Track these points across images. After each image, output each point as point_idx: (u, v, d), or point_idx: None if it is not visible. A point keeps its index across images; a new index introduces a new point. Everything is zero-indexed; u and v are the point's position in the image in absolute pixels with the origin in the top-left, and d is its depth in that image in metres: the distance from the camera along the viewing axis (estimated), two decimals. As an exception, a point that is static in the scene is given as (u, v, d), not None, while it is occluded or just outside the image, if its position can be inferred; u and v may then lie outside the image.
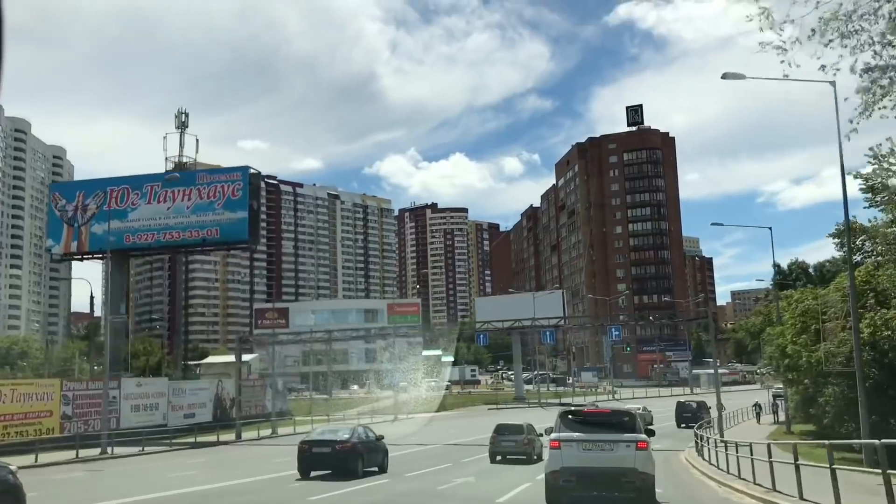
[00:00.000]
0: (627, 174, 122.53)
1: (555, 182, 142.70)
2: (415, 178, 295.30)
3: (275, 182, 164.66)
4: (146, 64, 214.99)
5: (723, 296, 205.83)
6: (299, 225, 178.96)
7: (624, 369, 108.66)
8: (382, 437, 21.56)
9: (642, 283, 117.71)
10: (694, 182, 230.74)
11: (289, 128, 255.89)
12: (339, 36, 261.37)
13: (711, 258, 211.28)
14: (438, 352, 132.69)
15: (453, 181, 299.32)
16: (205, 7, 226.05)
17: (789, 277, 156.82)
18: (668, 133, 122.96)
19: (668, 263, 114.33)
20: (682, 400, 45.98)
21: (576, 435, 12.89)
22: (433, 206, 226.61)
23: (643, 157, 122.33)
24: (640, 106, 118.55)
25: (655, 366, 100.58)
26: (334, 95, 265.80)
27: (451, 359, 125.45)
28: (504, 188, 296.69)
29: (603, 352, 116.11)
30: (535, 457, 22.84)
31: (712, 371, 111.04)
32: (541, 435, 21.78)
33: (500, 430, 23.84)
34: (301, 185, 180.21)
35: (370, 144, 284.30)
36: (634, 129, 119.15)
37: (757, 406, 43.55)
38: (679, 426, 39.06)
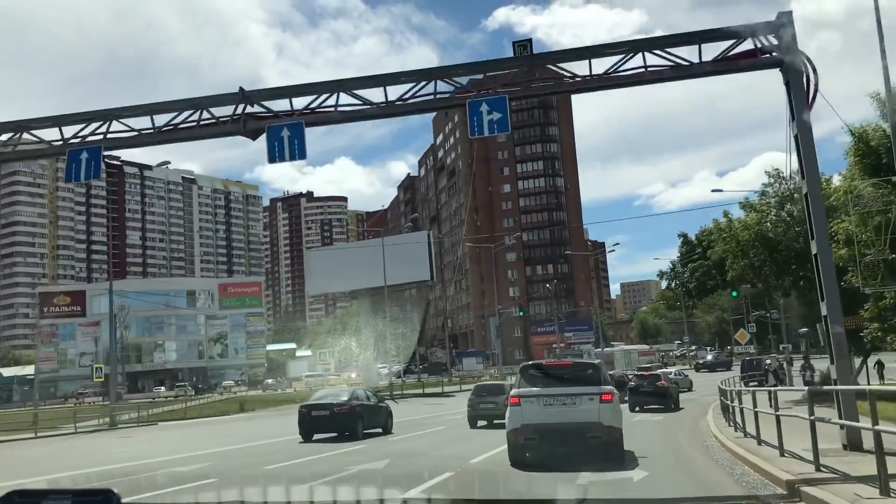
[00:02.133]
0: (516, 121, 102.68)
1: (433, 142, 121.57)
2: (299, 184, 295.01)
3: (117, 163, 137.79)
4: (14, 65, 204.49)
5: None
6: (147, 212, 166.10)
7: (516, 355, 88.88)
8: (384, 400, 24.71)
9: (535, 252, 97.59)
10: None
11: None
12: (222, 38, 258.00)
13: (604, 243, 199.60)
14: (290, 345, 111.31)
15: (340, 186, 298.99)
16: (76, 5, 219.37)
17: (699, 247, 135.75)
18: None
19: (565, 226, 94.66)
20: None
21: (536, 389, 12.42)
22: (309, 195, 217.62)
23: (533, 101, 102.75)
24: (529, 41, 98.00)
25: (555, 347, 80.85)
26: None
27: (308, 352, 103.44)
28: (392, 193, 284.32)
29: (489, 335, 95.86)
30: None
31: (628, 347, 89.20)
32: None
33: (479, 391, 23.23)
34: (150, 168, 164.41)
35: (254, 150, 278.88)
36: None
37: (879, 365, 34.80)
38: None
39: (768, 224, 27.88)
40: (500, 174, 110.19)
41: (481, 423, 22.04)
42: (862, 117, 19.48)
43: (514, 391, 12.78)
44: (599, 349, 76.42)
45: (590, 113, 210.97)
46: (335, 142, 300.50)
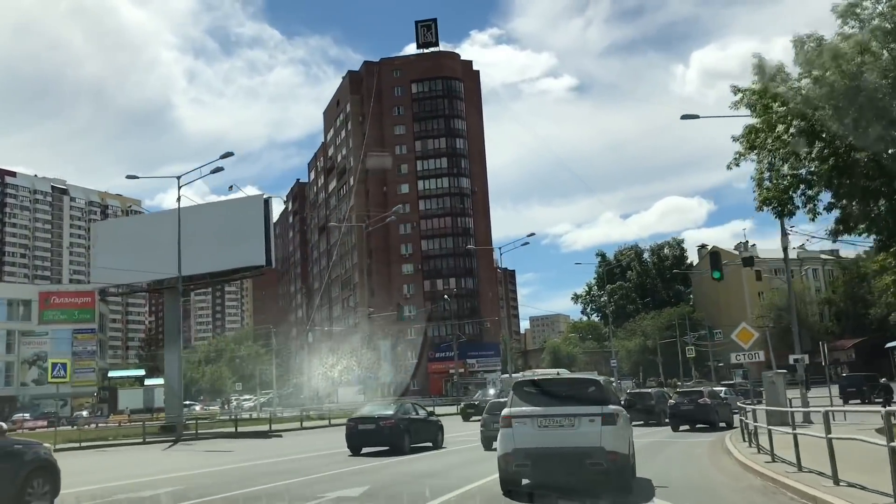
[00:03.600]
0: (417, 112, 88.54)
1: (323, 139, 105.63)
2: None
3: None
4: None
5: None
6: (8, 223, 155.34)
7: (413, 384, 73.32)
8: (433, 413, 23.77)
9: (435, 264, 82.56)
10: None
11: (69, 156, 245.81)
12: (131, 61, 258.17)
13: (515, 271, 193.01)
14: (138, 371, 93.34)
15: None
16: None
17: (618, 265, 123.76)
18: (471, 63, 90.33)
19: (470, 235, 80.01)
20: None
21: (528, 409, 11.19)
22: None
23: (438, 90, 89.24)
24: (434, 21, 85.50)
25: (452, 372, 65.79)
26: (124, 124, 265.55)
27: (159, 381, 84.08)
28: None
29: (380, 359, 79.82)
30: None
31: (544, 371, 74.88)
32: None
33: (493, 409, 20.65)
34: (14, 174, 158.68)
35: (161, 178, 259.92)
36: (426, 51, 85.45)
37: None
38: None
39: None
40: (397, 173, 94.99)
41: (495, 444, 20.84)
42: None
43: (504, 410, 11.57)
44: (507, 375, 61.69)
45: (502, 153, 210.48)
46: (247, 170, 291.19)
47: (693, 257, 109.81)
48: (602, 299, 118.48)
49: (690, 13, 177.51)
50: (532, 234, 54.31)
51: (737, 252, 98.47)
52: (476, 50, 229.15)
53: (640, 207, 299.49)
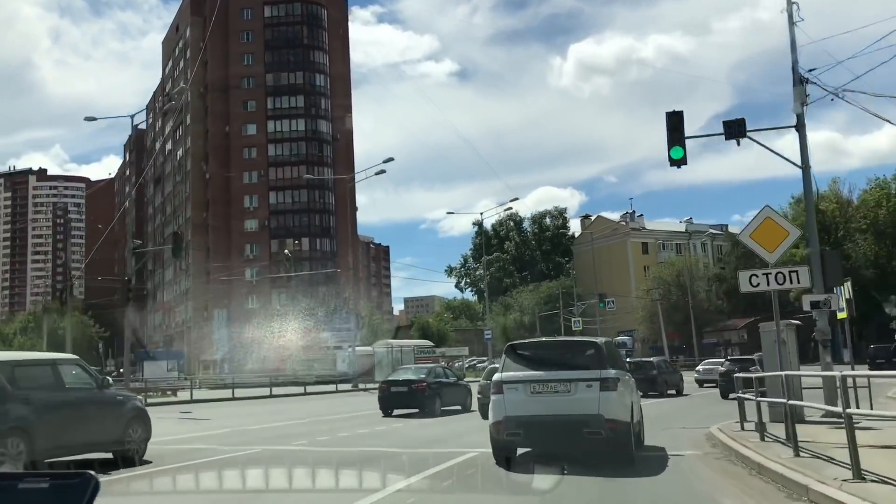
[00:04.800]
0: (270, 40, 73.72)
1: (162, 74, 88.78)
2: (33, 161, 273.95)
3: None
4: None
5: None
6: None
7: (247, 364, 67.59)
8: (464, 377, 25.28)
9: (286, 220, 68.67)
10: (362, 206, 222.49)
11: None
12: None
13: (388, 247, 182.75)
14: None
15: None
16: None
17: (496, 237, 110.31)
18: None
19: (329, 189, 66.63)
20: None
21: (520, 374, 10.52)
22: (41, 173, 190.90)
23: (296, 15, 74.20)
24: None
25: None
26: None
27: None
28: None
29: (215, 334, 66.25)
30: None
31: (399, 343, 63.13)
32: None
33: (491, 375, 18.22)
34: None
35: (19, 142, 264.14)
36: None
37: None
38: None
39: None
40: (243, 109, 79.90)
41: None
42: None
43: (495, 376, 11.15)
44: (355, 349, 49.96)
45: (386, 137, 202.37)
46: (114, 139, 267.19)
47: (576, 228, 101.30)
48: (477, 273, 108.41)
49: (574, 7, 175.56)
50: (390, 160, 42.51)
51: (623, 223, 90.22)
52: (357, 27, 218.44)
53: (517, 196, 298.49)
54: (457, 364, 67.08)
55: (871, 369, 33.55)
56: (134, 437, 11.82)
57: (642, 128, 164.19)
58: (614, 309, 64.01)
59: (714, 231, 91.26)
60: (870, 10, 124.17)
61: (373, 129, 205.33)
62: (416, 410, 20.66)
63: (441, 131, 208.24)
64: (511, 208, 50.32)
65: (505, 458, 10.33)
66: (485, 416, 18.85)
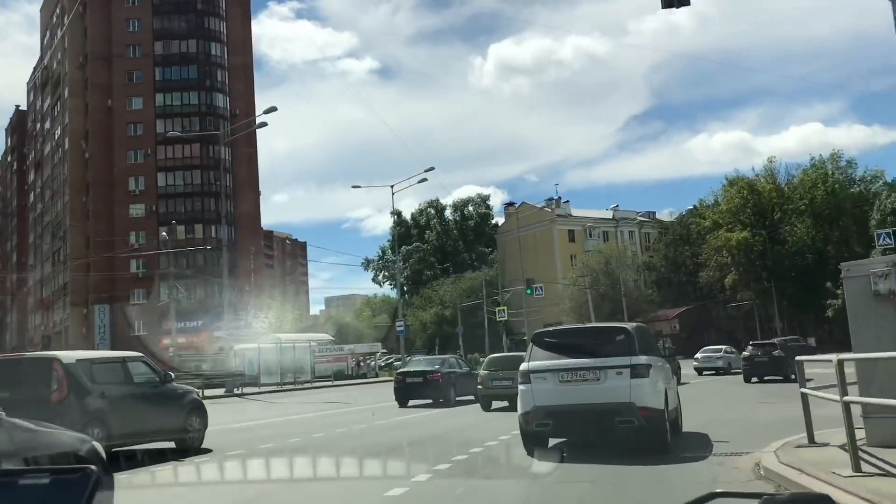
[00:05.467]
0: (158, 4, 65.10)
1: (40, 45, 78.87)
2: None
3: None
4: None
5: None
6: None
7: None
8: (474, 367, 24.55)
9: (176, 205, 60.52)
10: (282, 204, 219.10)
11: None
12: None
13: (306, 242, 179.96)
14: None
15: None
16: None
17: (416, 227, 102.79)
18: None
19: (228, 171, 58.81)
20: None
21: (549, 363, 10.29)
22: None
23: (188, -24, 66.09)
24: None
25: (169, 348, 45.27)
26: None
27: None
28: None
29: (93, 333, 56.73)
30: None
31: (303, 338, 60.30)
32: None
33: (491, 365, 20.18)
34: None
35: None
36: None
37: None
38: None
39: None
40: (128, 81, 70.73)
41: (498, 404, 19.27)
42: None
43: (523, 366, 10.74)
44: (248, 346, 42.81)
45: (308, 135, 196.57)
46: None
47: (500, 217, 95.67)
48: (396, 265, 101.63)
49: (496, 8, 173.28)
50: (272, 109, 35.84)
51: (548, 210, 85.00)
52: (275, 23, 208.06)
53: (440, 195, 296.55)
54: (371, 363, 60.36)
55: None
56: (193, 427, 12.65)
57: (563, 127, 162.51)
58: (542, 295, 58.30)
59: (642, 219, 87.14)
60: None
61: (295, 126, 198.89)
62: (431, 401, 21.31)
63: (364, 130, 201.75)
64: (426, 179, 44.38)
65: (535, 447, 10.22)
66: (485, 407, 18.64)
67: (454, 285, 79.46)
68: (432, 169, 44.65)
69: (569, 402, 9.81)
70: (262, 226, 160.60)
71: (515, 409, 12.83)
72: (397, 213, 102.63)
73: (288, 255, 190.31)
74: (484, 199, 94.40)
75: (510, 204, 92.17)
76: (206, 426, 13.15)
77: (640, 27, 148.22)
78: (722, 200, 68.43)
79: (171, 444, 12.02)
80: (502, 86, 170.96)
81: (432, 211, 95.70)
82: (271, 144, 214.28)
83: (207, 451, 12.22)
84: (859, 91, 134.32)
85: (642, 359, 9.98)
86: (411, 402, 21.39)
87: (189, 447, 12.08)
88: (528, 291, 54.01)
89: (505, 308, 54.54)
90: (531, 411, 10.00)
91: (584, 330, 13.19)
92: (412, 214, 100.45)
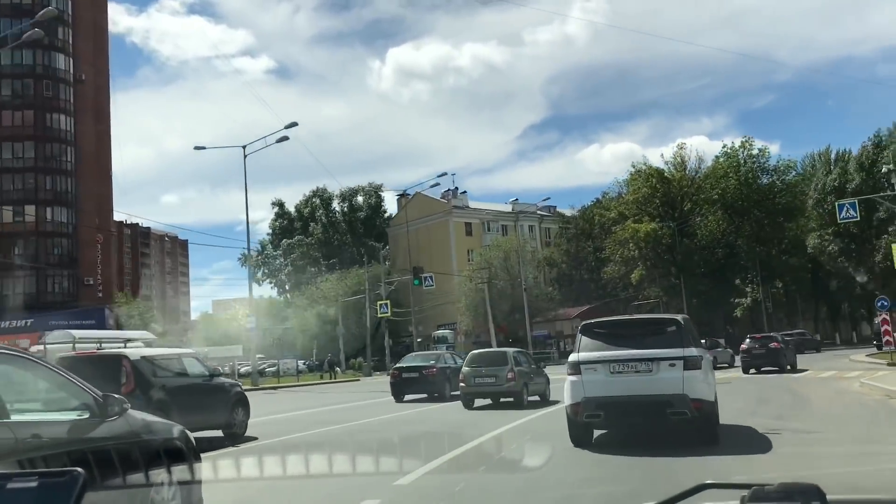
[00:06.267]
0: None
1: None
2: None
3: None
4: None
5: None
6: None
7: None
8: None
9: (4, 181, 49.54)
10: (173, 205, 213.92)
11: None
12: None
13: (187, 241, 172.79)
14: None
15: None
16: None
17: (300, 219, 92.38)
18: None
19: (69, 143, 48.36)
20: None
21: (600, 354, 10.31)
22: None
23: None
24: None
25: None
26: None
27: None
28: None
29: None
30: (529, 398, 18.63)
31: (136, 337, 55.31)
32: (540, 365, 21.29)
33: (473, 361, 19.31)
34: None
35: None
36: None
37: None
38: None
39: None
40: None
41: (481, 401, 18.90)
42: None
43: (572, 356, 10.68)
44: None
45: (203, 133, 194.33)
46: None
47: (392, 208, 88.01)
48: (277, 261, 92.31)
49: (397, 13, 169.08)
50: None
51: (445, 200, 78.18)
52: (165, 17, 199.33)
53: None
54: (227, 368, 51.38)
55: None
56: (238, 418, 13.89)
57: (463, 134, 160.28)
58: (432, 286, 51.02)
59: (543, 213, 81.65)
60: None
61: (188, 125, 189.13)
62: (426, 395, 21.66)
63: (261, 131, 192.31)
64: (286, 138, 36.52)
65: (580, 438, 10.30)
66: (467, 405, 18.37)
67: (340, 282, 71.44)
68: (294, 125, 37.44)
69: (620, 393, 9.86)
70: (145, 224, 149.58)
71: (499, 407, 14.90)
72: (279, 204, 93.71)
73: (167, 253, 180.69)
74: (375, 189, 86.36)
75: (403, 195, 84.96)
76: (248, 417, 14.32)
77: (535, 38, 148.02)
78: (628, 191, 63.73)
79: (219, 433, 13.12)
80: (401, 90, 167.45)
81: (318, 201, 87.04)
82: (163, 144, 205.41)
83: (253, 438, 13.48)
84: (742, 107, 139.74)
85: (694, 351, 10.09)
86: (407, 397, 21.75)
87: (236, 436, 13.41)
88: (416, 283, 46.87)
89: (388, 303, 46.87)
90: (581, 402, 10.01)
91: (634, 321, 12.94)
92: (296, 206, 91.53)
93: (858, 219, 24.09)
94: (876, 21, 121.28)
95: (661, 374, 9.75)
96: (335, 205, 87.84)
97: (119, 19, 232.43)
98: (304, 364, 61.24)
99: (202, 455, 6.78)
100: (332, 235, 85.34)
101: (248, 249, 38.61)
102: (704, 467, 8.20)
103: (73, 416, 5.46)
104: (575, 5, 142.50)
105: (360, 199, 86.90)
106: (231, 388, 14.59)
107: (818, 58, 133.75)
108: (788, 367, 29.14)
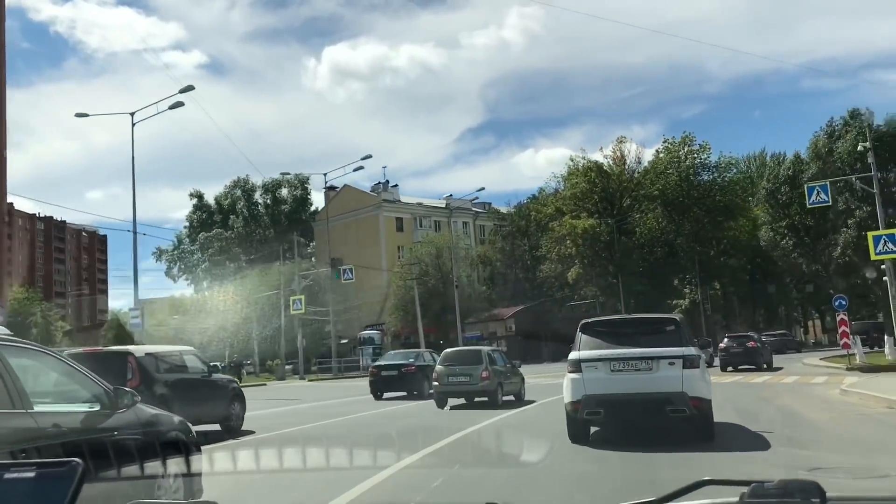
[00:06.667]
0: None
1: None
2: None
3: None
4: None
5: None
6: None
7: None
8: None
9: None
10: (98, 202, 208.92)
11: None
12: None
13: (107, 236, 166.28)
14: None
15: None
16: None
17: (220, 212, 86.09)
18: None
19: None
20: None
21: (601, 352, 10.49)
22: None
23: None
24: None
25: None
26: None
27: None
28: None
29: None
30: (504, 397, 18.45)
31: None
32: (515, 364, 20.62)
33: (447, 360, 18.98)
34: None
35: None
36: None
37: None
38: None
39: None
40: None
41: (455, 401, 18.69)
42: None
43: (572, 354, 10.77)
44: None
45: (128, 130, 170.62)
46: None
47: (320, 202, 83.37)
48: (195, 256, 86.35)
49: (335, 12, 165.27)
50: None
51: (374, 194, 74.11)
52: (92, 7, 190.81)
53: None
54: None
55: None
56: (235, 412, 14.62)
57: (399, 135, 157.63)
58: (352, 279, 46.72)
59: (477, 209, 78.36)
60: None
61: (115, 121, 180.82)
62: (406, 393, 21.65)
63: (194, 127, 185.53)
64: (181, 104, 32.23)
65: (579, 435, 10.45)
66: (440, 405, 18.00)
67: (261, 278, 66.56)
68: (191, 88, 33.72)
69: (621, 390, 10.01)
70: (62, 219, 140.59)
71: (474, 407, 16.29)
72: (198, 195, 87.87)
73: (84, 249, 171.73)
74: (302, 182, 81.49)
75: (331, 188, 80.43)
76: (245, 411, 15.08)
77: (472, 41, 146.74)
78: (566, 187, 60.96)
79: (217, 427, 13.70)
80: (337, 90, 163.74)
81: (239, 192, 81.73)
82: (90, 138, 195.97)
83: (250, 432, 14.03)
84: (673, 116, 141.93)
85: (692, 350, 10.33)
86: (386, 395, 21.94)
87: (233, 429, 14.09)
88: (336, 276, 42.80)
89: (302, 298, 42.36)
90: (582, 400, 10.15)
91: (634, 320, 13.22)
92: (216, 197, 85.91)
93: (830, 203, 21.48)
94: (801, 37, 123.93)
95: (660, 372, 9.94)
96: (258, 197, 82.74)
97: (42, 7, 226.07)
98: (219, 365, 56.62)
99: (204, 448, 6.96)
100: (254, 229, 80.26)
101: (135, 242, 33.44)
102: (704, 464, 8.31)
103: (86, 407, 5.76)
104: (512, 11, 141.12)
105: (284, 191, 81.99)
106: (228, 383, 15.32)
107: (746, 70, 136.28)
108: (765, 366, 30.51)
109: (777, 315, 65.85)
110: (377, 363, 24.50)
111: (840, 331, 27.66)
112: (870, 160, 20.75)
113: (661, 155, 57.84)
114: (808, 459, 8.42)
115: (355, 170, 39.28)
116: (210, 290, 78.03)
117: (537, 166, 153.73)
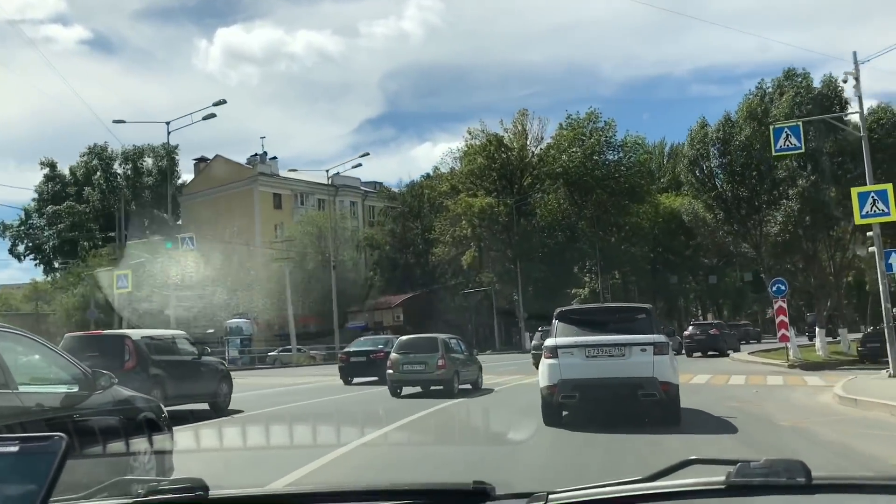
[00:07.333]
0: None
1: None
2: None
3: None
4: None
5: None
6: None
7: None
8: None
9: None
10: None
11: None
12: None
13: None
14: None
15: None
16: None
17: (74, 184, 77.00)
18: None
19: None
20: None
21: (576, 339, 10.91)
22: None
23: None
24: None
25: None
26: None
27: None
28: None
29: None
30: (460, 385, 18.30)
31: None
32: (473, 352, 21.60)
33: (402, 347, 18.83)
34: None
35: None
36: None
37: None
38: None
39: None
40: None
41: (409, 389, 18.49)
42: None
43: (549, 341, 11.26)
44: None
45: (8, 107, 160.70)
46: None
47: (188, 174, 74.58)
48: (45, 233, 76.05)
49: None
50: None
51: (249, 166, 66.56)
52: None
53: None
54: None
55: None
56: (223, 392, 15.46)
57: (298, 123, 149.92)
58: (193, 248, 38.85)
59: (366, 189, 72.03)
60: None
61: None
62: (376, 378, 21.17)
63: (79, 106, 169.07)
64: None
65: (552, 418, 10.72)
66: (393, 393, 17.85)
67: (103, 258, 57.71)
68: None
69: (595, 375, 10.33)
70: None
71: (429, 396, 16.39)
72: (50, 164, 77.17)
73: None
74: (169, 151, 72.17)
75: (202, 159, 71.83)
76: (231, 391, 15.89)
77: (371, 31, 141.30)
78: (463, 164, 55.66)
79: (206, 406, 14.48)
80: (229, 73, 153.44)
81: (96, 161, 71.80)
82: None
83: (239, 411, 14.68)
84: (567, 114, 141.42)
85: (662, 337, 10.84)
86: (355, 380, 22.35)
87: (221, 408, 14.91)
88: (168, 245, 35.62)
89: (127, 274, 34.31)
90: (558, 384, 10.45)
91: (607, 309, 14.18)
92: (70, 168, 75.56)
93: (802, 149, 17.05)
94: (690, 43, 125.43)
95: (633, 358, 10.39)
96: (117, 167, 72.96)
97: None
98: (208, 349, 48.12)
99: (197, 425, 8.12)
100: (113, 203, 70.75)
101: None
102: (681, 445, 8.45)
103: (65, 388, 6.07)
104: (411, 2, 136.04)
105: (148, 160, 72.62)
106: (216, 365, 16.20)
107: (638, 74, 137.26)
108: (728, 352, 32.33)
109: (676, 307, 63.34)
110: (346, 349, 24.83)
111: (778, 320, 23.52)
112: (854, 94, 16.57)
113: (565, 131, 53.39)
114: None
115: (205, 118, 32.46)
116: (60, 270, 68.57)
117: (434, 159, 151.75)
